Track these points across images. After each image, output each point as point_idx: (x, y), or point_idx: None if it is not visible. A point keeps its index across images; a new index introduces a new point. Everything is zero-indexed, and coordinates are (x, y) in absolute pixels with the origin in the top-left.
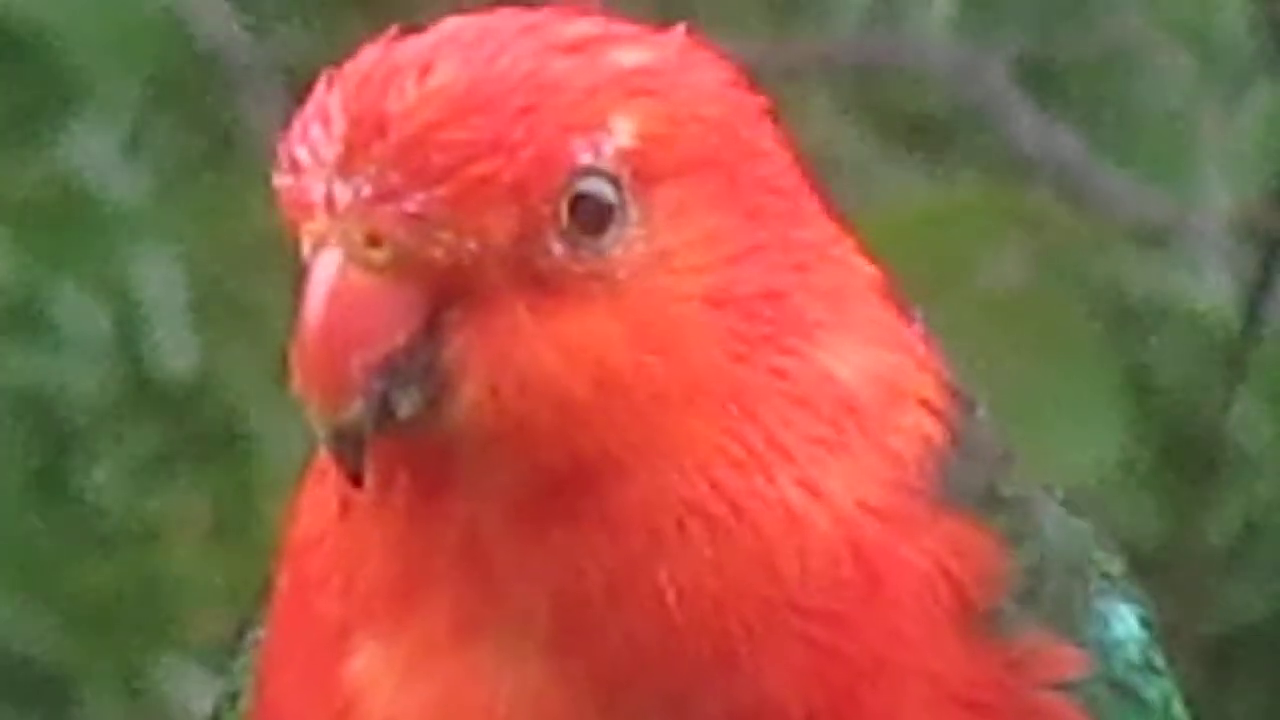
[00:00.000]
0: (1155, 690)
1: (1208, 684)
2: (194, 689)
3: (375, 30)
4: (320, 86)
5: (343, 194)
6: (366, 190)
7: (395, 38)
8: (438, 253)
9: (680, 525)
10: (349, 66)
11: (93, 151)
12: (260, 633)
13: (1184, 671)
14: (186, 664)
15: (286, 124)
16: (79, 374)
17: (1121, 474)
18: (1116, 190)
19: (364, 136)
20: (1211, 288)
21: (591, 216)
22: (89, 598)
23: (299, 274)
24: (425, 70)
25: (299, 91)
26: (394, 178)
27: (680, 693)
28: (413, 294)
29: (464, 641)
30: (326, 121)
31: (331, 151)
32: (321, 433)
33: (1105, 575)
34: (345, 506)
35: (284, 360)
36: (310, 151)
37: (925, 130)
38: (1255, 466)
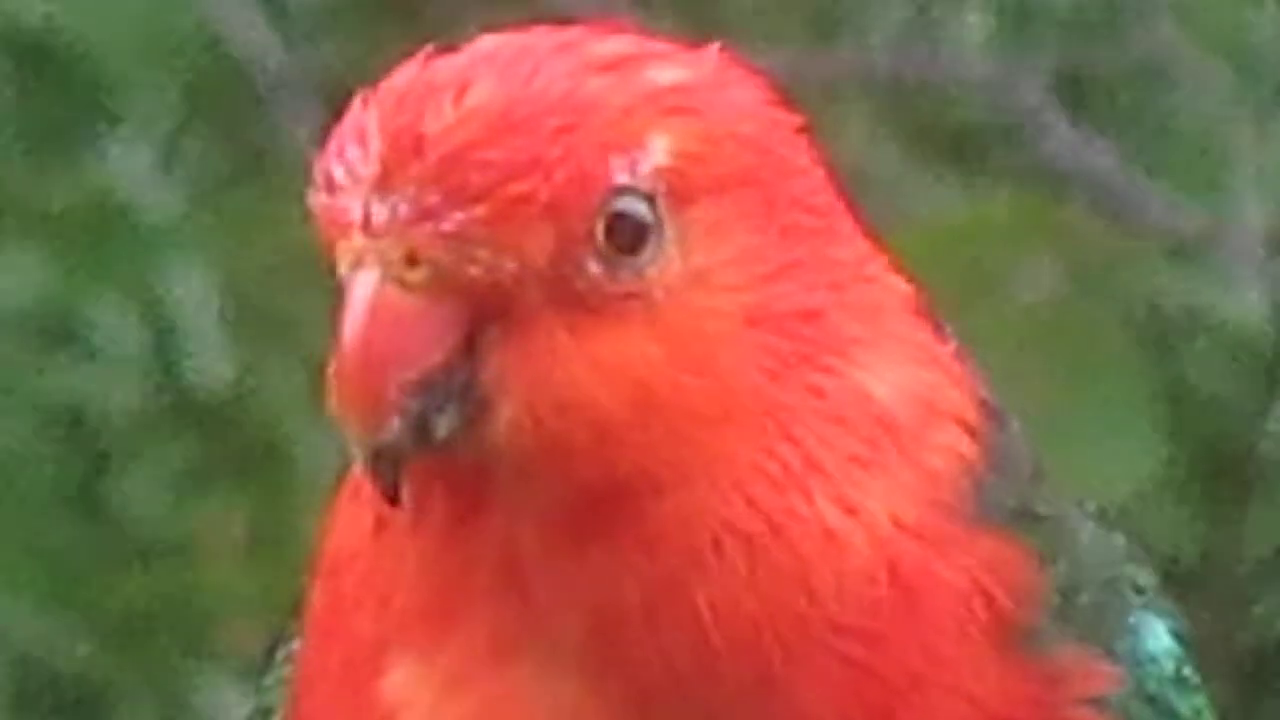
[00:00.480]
0: (1188, 705)
1: (1242, 698)
2: (229, 702)
3: (410, 45)
4: (356, 104)
5: (380, 213)
6: (404, 209)
7: (431, 56)
8: (475, 272)
9: (717, 544)
10: (385, 85)
11: (128, 165)
12: (292, 648)
13: (1218, 686)
14: (221, 678)
15: (322, 140)
16: (114, 388)
17: (1156, 487)
18: (1151, 203)
19: (401, 155)
20: (1245, 300)
21: (628, 236)
22: (124, 611)
23: (336, 292)
24: (462, 89)
25: (334, 105)
26: (431, 197)
27: (716, 711)
28: (450, 313)
29: (501, 659)
30: (363, 140)
31: (369, 170)
32: (359, 453)
33: (1138, 589)
34: (380, 525)
35: (320, 374)
36: (347, 170)
37: (960, 144)
38: None
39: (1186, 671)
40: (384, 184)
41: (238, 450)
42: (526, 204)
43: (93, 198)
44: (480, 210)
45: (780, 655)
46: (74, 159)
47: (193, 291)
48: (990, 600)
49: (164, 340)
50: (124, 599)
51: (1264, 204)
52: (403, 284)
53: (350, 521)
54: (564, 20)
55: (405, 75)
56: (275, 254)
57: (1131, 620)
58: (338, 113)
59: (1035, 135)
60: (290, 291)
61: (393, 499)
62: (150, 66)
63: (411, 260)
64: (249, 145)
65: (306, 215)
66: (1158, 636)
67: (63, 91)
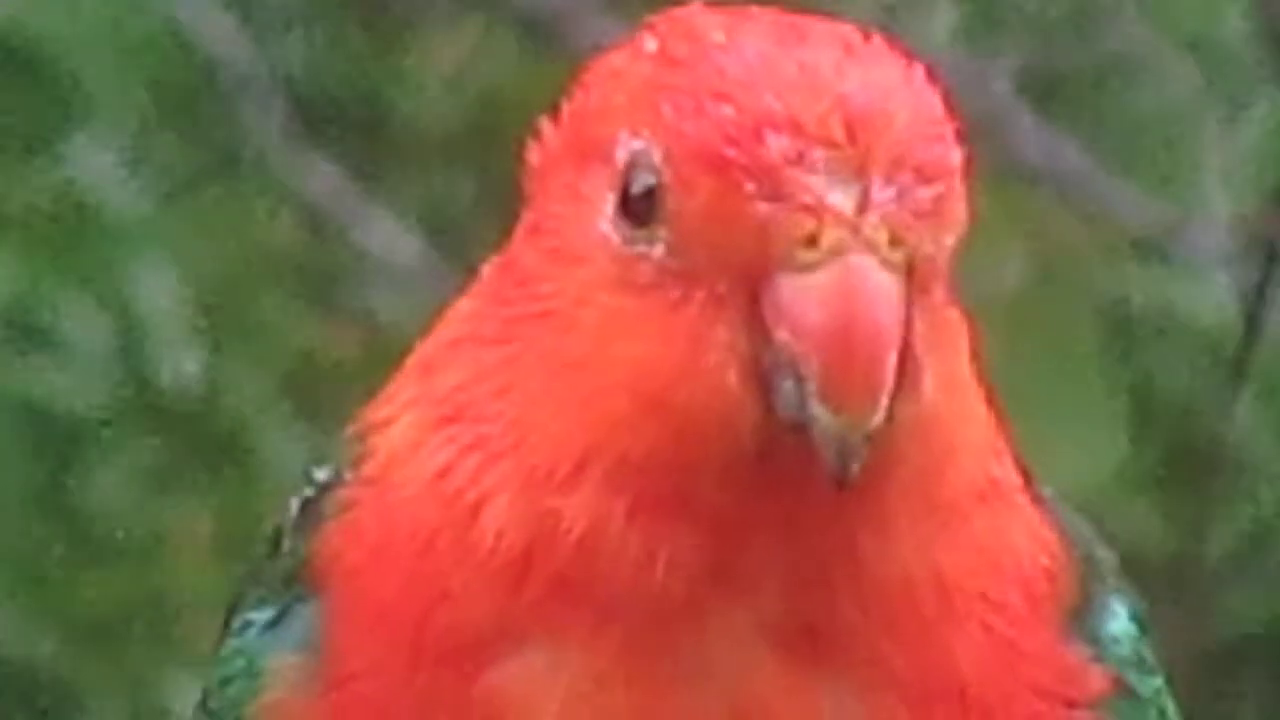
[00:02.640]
0: (1148, 686)
1: (1212, 692)
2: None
3: (374, 42)
4: (748, 97)
5: (874, 197)
6: (886, 193)
7: (766, 38)
8: (931, 249)
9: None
10: (761, 72)
11: (95, 164)
12: (249, 617)
13: (1185, 680)
14: (189, 675)
15: (291, 134)
16: (82, 386)
17: (1122, 481)
18: (1118, 199)
19: (871, 140)
20: (1212, 295)
21: None
22: (92, 610)
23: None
24: (893, 73)
25: (300, 104)
26: (904, 178)
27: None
28: (908, 293)
29: (709, 649)
30: (810, 134)
31: (843, 160)
32: (850, 435)
33: (1109, 573)
34: (636, 507)
35: (287, 372)
36: (802, 159)
37: None
38: (1257, 473)
39: (1145, 653)
40: (861, 170)
41: (205, 448)
42: (958, 180)
43: (60, 196)
44: (940, 187)
45: (941, 615)
46: (42, 158)
47: (160, 290)
48: (1050, 575)
49: (131, 339)
50: (91, 597)
51: (1230, 199)
52: (889, 265)
53: (525, 518)
54: (532, 19)
55: (774, 60)
56: (243, 253)
57: (1097, 603)
58: (304, 110)
59: (1003, 130)
60: (257, 290)
61: (846, 484)
62: (117, 65)
63: (894, 241)
64: (216, 144)
65: (275, 213)
66: (1119, 618)
67: (29, 90)
